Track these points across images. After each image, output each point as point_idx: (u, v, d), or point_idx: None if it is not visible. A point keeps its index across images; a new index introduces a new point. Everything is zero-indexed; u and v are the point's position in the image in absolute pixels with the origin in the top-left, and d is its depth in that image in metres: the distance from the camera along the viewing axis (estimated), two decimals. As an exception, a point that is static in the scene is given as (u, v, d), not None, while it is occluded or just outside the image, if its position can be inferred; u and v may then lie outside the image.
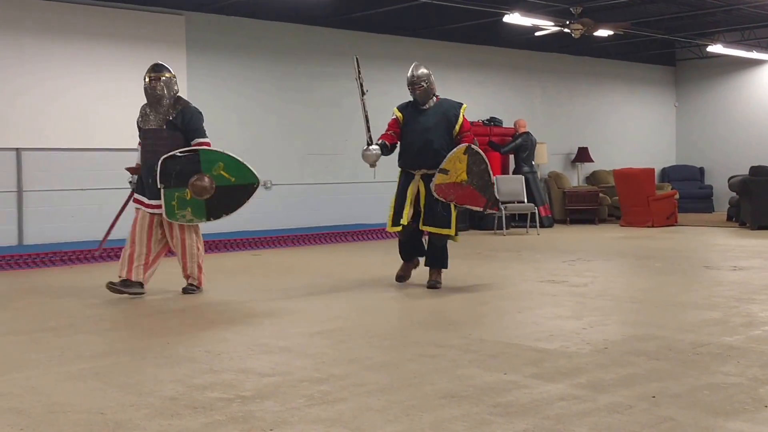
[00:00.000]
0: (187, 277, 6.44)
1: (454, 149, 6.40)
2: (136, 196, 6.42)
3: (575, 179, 14.82)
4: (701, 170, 16.46)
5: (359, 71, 6.75)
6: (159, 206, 6.20)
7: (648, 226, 12.47)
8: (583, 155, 14.76)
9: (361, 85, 6.69)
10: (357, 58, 6.85)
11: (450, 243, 6.65)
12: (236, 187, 6.39)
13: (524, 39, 13.23)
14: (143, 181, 6.36)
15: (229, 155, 6.40)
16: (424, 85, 6.62)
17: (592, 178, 15.12)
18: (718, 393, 3.51)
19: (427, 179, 6.46)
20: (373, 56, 11.80)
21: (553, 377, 3.78)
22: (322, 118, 11.61)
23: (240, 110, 10.86)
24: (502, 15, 11.07)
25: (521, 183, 12.16)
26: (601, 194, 13.64)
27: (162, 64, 6.52)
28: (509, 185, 12.11)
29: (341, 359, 4.20)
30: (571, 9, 11.32)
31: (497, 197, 6.61)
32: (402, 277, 6.81)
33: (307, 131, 11.47)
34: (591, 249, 9.63)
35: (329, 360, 4.18)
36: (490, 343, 4.53)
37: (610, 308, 5.66)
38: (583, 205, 13.45)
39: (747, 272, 7.36)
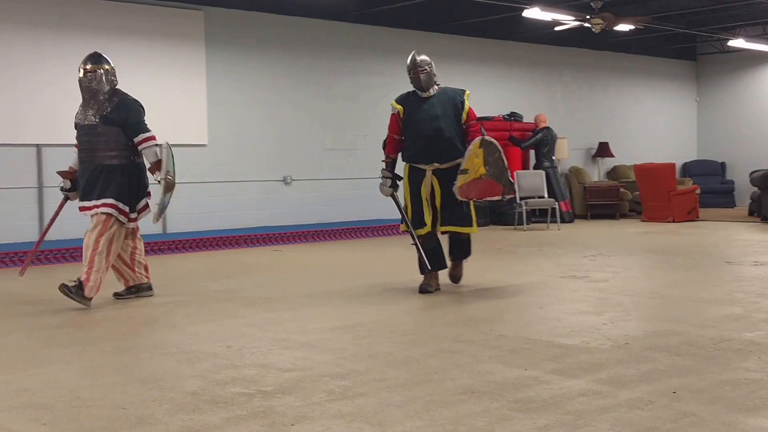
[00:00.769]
0: (127, 282, 6.03)
1: (470, 146, 5.87)
2: (80, 203, 5.94)
3: (596, 174, 14.74)
4: (722, 165, 16.31)
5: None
6: (100, 206, 5.75)
7: (669, 221, 12.37)
8: (603, 150, 14.67)
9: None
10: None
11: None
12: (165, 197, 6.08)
13: (544, 34, 13.17)
14: (79, 184, 5.92)
15: (174, 163, 6.14)
16: (428, 69, 6.17)
17: (613, 173, 15.03)
18: (739, 389, 3.48)
19: (440, 174, 5.99)
20: (393, 51, 11.80)
21: (574, 373, 3.77)
22: (341, 113, 11.63)
23: (258, 105, 10.89)
24: (522, 10, 11.01)
25: (542, 178, 12.11)
26: (621, 189, 13.55)
27: (100, 55, 6.09)
28: (530, 180, 12.06)
29: (362, 354, 4.21)
30: (591, 3, 11.24)
31: (511, 180, 6.19)
32: (429, 285, 6.12)
33: (326, 126, 11.49)
34: (612, 244, 9.57)
35: (350, 355, 4.19)
36: (510, 339, 4.52)
37: (631, 304, 5.63)
38: (603, 200, 13.37)
39: (770, 268, 7.29)
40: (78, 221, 9.37)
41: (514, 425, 3.04)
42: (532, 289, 6.32)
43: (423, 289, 6.09)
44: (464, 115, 6.13)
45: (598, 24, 11.16)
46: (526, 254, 8.79)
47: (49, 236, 9.14)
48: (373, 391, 3.52)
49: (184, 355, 4.24)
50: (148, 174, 6.10)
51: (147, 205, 6.13)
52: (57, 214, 6.40)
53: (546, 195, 12.05)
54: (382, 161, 6.29)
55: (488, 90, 13.31)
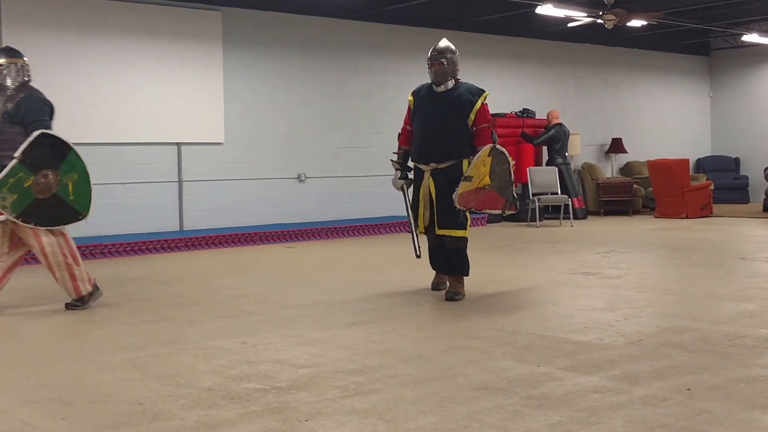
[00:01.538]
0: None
1: (480, 153, 5.54)
2: None
3: (609, 170, 14.69)
4: (736, 161, 16.21)
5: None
6: None
7: (682, 218, 12.32)
8: (616, 146, 14.61)
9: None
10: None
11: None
12: (69, 207, 5.51)
13: (557, 30, 13.13)
14: None
15: (88, 174, 5.57)
16: (444, 62, 5.76)
17: (626, 169, 14.97)
18: (754, 386, 3.48)
19: (437, 175, 5.69)
20: (407, 49, 11.81)
21: (587, 369, 3.78)
22: (355, 112, 11.65)
23: (274, 104, 10.94)
24: (535, 6, 10.99)
25: (554, 174, 12.09)
26: (635, 185, 13.50)
27: (13, 49, 5.69)
28: (542, 177, 12.04)
29: (375, 351, 4.23)
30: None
31: (515, 195, 5.87)
32: (439, 284, 6.09)
33: (340, 125, 11.51)
34: (625, 240, 9.55)
35: (363, 352, 4.21)
36: (523, 335, 4.53)
37: (645, 300, 5.62)
38: (617, 196, 13.33)
39: (785, 264, 7.26)
40: (101, 218, 9.47)
41: (527, 422, 3.06)
42: (545, 286, 6.32)
43: (434, 287, 6.08)
44: (472, 116, 5.69)
45: (610, 20, 11.11)
46: (539, 251, 8.79)
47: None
48: (387, 387, 3.55)
49: (200, 351, 4.28)
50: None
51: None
52: None
53: (559, 191, 12.02)
54: (394, 153, 6.14)
55: (501, 87, 13.28)
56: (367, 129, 11.70)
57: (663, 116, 15.86)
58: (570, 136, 12.92)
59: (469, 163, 5.61)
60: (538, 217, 11.76)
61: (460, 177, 5.56)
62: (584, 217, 12.75)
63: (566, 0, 11.13)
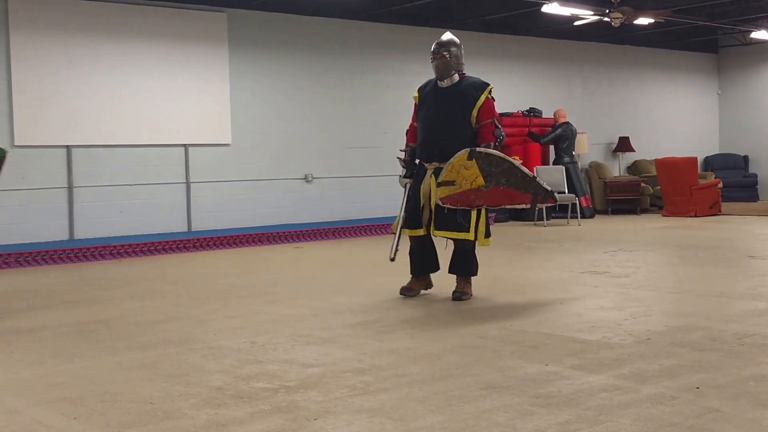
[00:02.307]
0: None
1: (454, 156, 5.34)
2: None
3: (616, 169, 14.65)
4: (745, 158, 16.14)
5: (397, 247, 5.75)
6: None
7: (691, 216, 12.28)
8: (624, 145, 14.58)
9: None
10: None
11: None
12: None
13: (563, 28, 13.11)
14: None
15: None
16: (446, 55, 5.59)
17: (634, 167, 14.93)
18: (763, 384, 3.48)
19: (438, 174, 5.52)
20: (413, 49, 11.81)
21: (595, 368, 3.78)
22: (362, 112, 11.66)
23: (281, 105, 10.96)
24: (541, 5, 10.98)
25: (561, 173, 12.07)
26: (642, 184, 13.46)
27: None
28: (549, 176, 12.01)
29: (383, 350, 4.24)
30: (610, -3, 11.18)
31: (548, 188, 5.49)
32: (409, 290, 5.82)
33: (347, 125, 11.53)
34: (633, 239, 9.53)
35: (371, 351, 4.22)
36: (531, 334, 4.53)
37: (653, 299, 5.61)
38: (624, 195, 13.30)
39: (794, 262, 7.23)
40: (110, 220, 9.53)
41: (535, 420, 3.06)
42: (552, 285, 6.32)
43: (401, 291, 5.85)
44: (474, 112, 5.52)
45: (617, 18, 11.08)
46: (546, 250, 8.78)
47: (77, 235, 9.32)
48: (395, 386, 3.56)
49: (210, 351, 4.30)
50: None
51: None
52: None
53: (566, 190, 12.00)
54: (401, 150, 6.03)
55: (507, 86, 13.26)
56: (374, 129, 11.71)
57: (671, 114, 15.81)
58: (577, 135, 12.89)
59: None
60: (545, 216, 11.75)
61: None
62: (592, 216, 12.73)
63: (573, -2, 11.11)
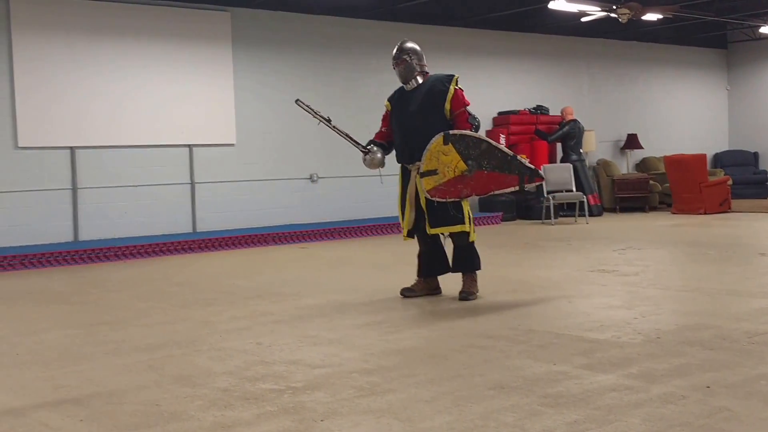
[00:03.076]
0: None
1: (430, 142, 5.37)
2: None
3: (624, 167, 14.59)
4: (755, 155, 16.05)
5: (311, 110, 6.02)
6: None
7: (700, 213, 12.21)
8: (632, 142, 14.51)
9: (321, 117, 6.01)
10: (298, 102, 6.08)
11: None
12: None
13: (570, 25, 13.05)
14: None
15: None
16: (407, 59, 5.70)
17: (642, 165, 14.86)
18: (775, 383, 3.44)
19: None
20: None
21: (604, 367, 3.74)
22: (367, 111, 11.61)
23: (285, 104, 10.91)
24: (548, 2, 10.93)
25: (569, 171, 12.01)
26: (651, 181, 13.40)
27: None
28: (557, 174, 11.97)
29: (390, 351, 4.22)
30: (617, -7, 11.12)
31: (532, 166, 5.44)
32: (409, 290, 5.79)
33: (352, 124, 11.45)
34: (642, 237, 9.47)
35: (378, 351, 4.20)
36: (539, 334, 4.50)
37: (662, 297, 5.57)
38: (633, 192, 13.24)
39: (805, 259, 7.17)
40: (114, 221, 9.55)
41: (544, 420, 3.03)
42: (560, 284, 6.28)
43: (402, 292, 5.82)
44: (447, 105, 5.55)
45: (624, 14, 11.03)
46: (554, 248, 8.74)
47: (82, 236, 9.33)
48: (402, 386, 3.53)
49: (216, 352, 4.28)
50: None
51: None
52: None
53: (574, 188, 11.95)
54: (366, 146, 6.07)
55: (514, 83, 13.23)
56: (379, 128, 11.67)
57: (679, 111, 15.73)
58: (584, 133, 12.83)
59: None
60: (552, 214, 11.70)
61: None
62: (600, 214, 12.67)
63: (579, -5, 11.05)
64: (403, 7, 11.48)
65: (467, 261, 5.68)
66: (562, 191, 11.86)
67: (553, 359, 3.92)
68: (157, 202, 9.87)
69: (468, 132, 5.43)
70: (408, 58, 5.73)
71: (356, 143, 6.00)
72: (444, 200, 5.44)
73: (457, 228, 5.55)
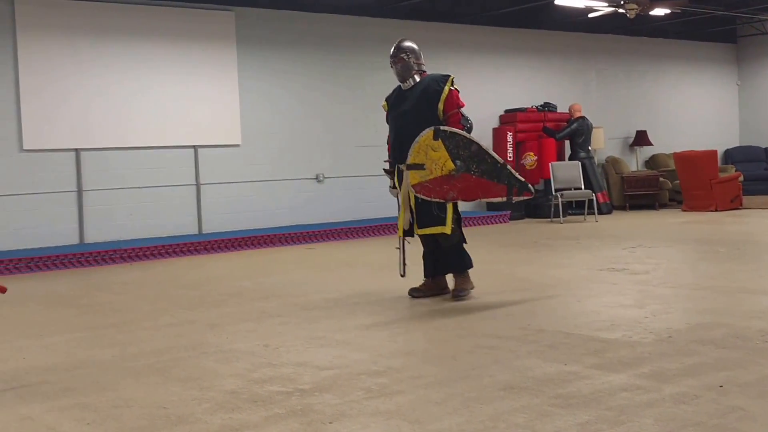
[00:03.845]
0: None
1: (419, 137, 5.30)
2: None
3: (634, 164, 14.51)
4: (766, 151, 15.93)
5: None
6: None
7: (711, 210, 12.12)
8: (641, 139, 14.43)
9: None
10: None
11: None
12: None
13: (577, 21, 12.99)
14: None
15: None
16: (404, 57, 5.67)
17: (652, 162, 14.78)
18: (790, 382, 3.39)
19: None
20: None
21: (615, 367, 3.70)
22: (373, 110, 11.55)
23: (291, 104, 10.92)
24: (554, -2, 10.87)
25: (578, 169, 11.96)
26: (661, 178, 13.31)
27: None
28: (565, 172, 11.91)
29: (398, 351, 4.18)
30: (625, -11, 11.04)
31: (522, 179, 5.38)
32: (417, 290, 5.73)
33: (358, 123, 11.47)
34: (652, 235, 9.41)
35: (386, 352, 4.17)
36: (549, 333, 4.46)
37: (674, 296, 5.52)
38: (642, 190, 13.16)
39: (817, 255, 7.10)
40: (120, 223, 9.54)
41: (555, 421, 2.99)
42: (570, 283, 6.23)
43: (409, 292, 5.76)
44: (440, 105, 5.52)
45: (632, 9, 10.94)
46: (563, 247, 8.69)
47: (87, 238, 9.33)
48: (411, 388, 3.50)
49: (223, 355, 4.26)
50: None
51: None
52: None
53: (582, 186, 11.88)
54: (384, 161, 6.06)
55: (521, 80, 13.17)
56: (385, 127, 11.45)
57: (689, 107, 15.62)
58: (593, 130, 12.77)
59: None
60: (561, 212, 11.64)
61: None
62: (609, 212, 12.60)
63: (586, -9, 10.99)
64: (407, 4, 11.44)
65: (457, 262, 5.63)
66: (570, 189, 11.80)
67: (563, 359, 3.88)
68: (163, 203, 9.86)
69: (459, 131, 5.37)
70: (405, 57, 5.71)
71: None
72: (429, 199, 5.38)
73: (437, 230, 5.49)
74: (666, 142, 14.89)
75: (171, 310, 5.69)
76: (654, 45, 14.96)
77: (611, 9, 11.08)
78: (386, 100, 5.97)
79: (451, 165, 5.27)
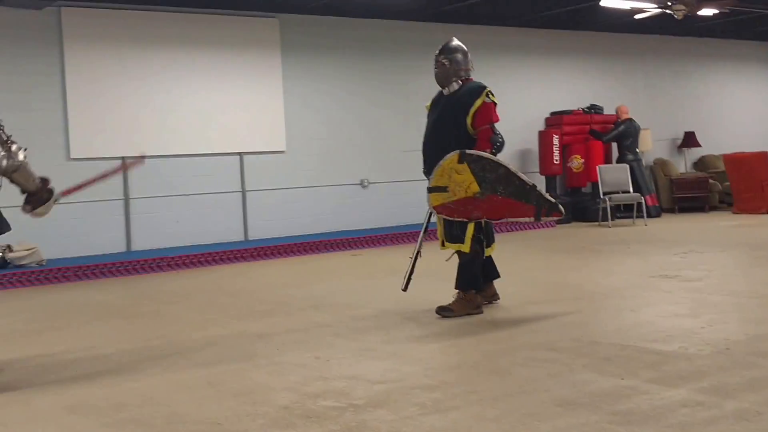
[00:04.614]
0: None
1: (444, 158, 5.13)
2: None
3: (682, 166, 14.23)
4: (819, 150, 15.48)
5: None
6: None
7: (763, 213, 11.83)
8: (689, 140, 14.15)
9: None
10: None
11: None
12: None
13: (623, 22, 12.77)
14: None
15: None
16: (445, 63, 5.46)
17: (700, 163, 14.48)
18: None
19: None
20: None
21: (674, 382, 3.61)
22: (417, 114, 11.44)
23: (335, 109, 10.94)
24: (600, -1, 10.70)
25: (626, 172, 11.77)
26: (710, 180, 13.04)
27: None
28: (613, 175, 11.74)
29: (450, 364, 4.14)
30: (672, -11, 10.82)
31: (552, 200, 5.22)
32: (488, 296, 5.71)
33: (403, 128, 11.41)
34: (703, 239, 9.20)
35: (438, 365, 4.12)
36: (603, 345, 4.37)
37: (730, 304, 5.37)
38: (691, 192, 12.90)
39: None
40: (166, 231, 9.64)
41: (615, 441, 2.92)
42: (621, 291, 6.10)
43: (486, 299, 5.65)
44: (469, 119, 5.30)
45: (680, 10, 10.72)
46: (612, 252, 8.54)
47: (134, 246, 9.44)
48: (466, 404, 3.45)
49: (274, 367, 4.25)
50: None
51: None
52: None
53: (631, 189, 11.69)
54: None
55: (567, 83, 13.01)
56: (431, 132, 11.58)
57: (738, 107, 15.27)
58: (640, 132, 12.56)
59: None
60: (609, 216, 11.46)
61: None
62: (658, 215, 12.38)
63: (632, -8, 10.80)
64: (452, 8, 11.37)
65: (459, 279, 5.48)
66: (618, 192, 11.61)
67: (619, 373, 3.79)
68: (209, 210, 9.95)
69: (486, 154, 5.18)
70: (446, 62, 5.49)
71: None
72: (451, 219, 5.28)
73: (454, 246, 5.42)
74: (715, 144, 14.57)
75: (219, 320, 5.71)
76: (701, 45, 14.65)
77: (659, 10, 10.88)
78: (432, 101, 5.78)
79: (476, 188, 5.12)
